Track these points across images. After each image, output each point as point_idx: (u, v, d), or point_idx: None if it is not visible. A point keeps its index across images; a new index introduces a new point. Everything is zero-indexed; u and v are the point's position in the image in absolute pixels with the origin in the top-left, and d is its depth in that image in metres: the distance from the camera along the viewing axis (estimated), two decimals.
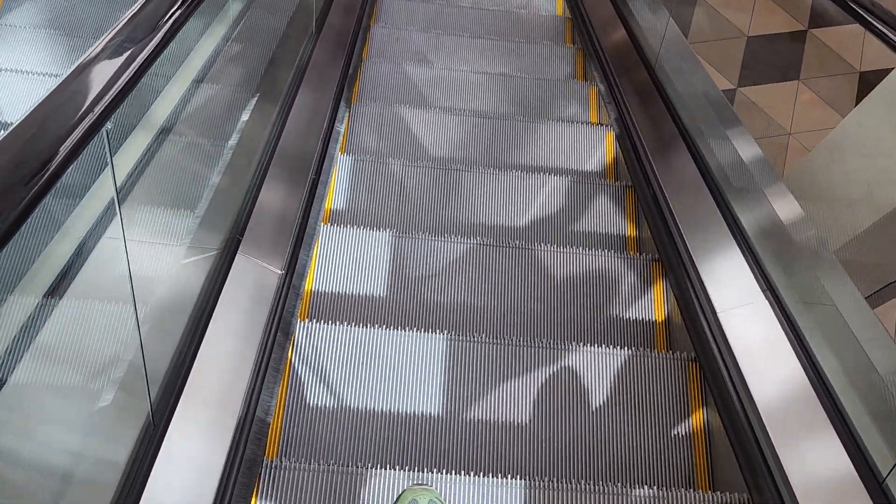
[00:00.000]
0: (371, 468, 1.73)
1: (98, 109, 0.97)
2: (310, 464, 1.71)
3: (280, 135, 2.36)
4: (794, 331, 1.82)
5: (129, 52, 1.11)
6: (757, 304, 1.95)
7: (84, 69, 1.02)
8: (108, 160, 1.10)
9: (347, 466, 1.72)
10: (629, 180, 2.83)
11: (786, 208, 2.05)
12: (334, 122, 2.76)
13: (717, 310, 1.97)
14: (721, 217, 2.24)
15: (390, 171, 2.76)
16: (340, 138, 2.88)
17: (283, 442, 1.89)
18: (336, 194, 2.70)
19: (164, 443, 1.40)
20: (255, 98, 2.30)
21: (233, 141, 2.09)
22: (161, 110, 1.68)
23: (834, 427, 1.60)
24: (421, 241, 2.44)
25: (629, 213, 2.75)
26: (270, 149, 2.29)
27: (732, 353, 1.84)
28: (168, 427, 1.43)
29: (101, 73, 1.04)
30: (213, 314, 1.69)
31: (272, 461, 1.71)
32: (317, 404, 1.95)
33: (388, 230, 2.45)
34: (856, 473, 1.49)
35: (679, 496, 1.74)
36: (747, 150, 2.25)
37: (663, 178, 2.49)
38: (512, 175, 2.79)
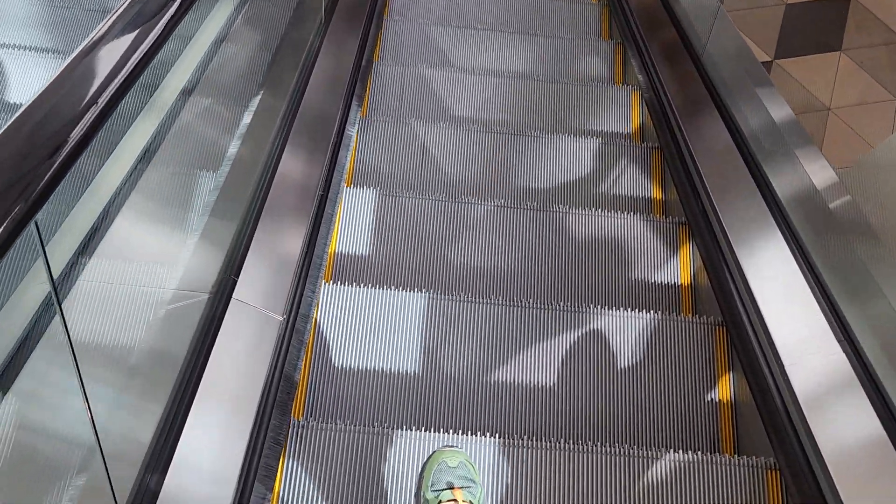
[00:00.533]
0: (395, 428, 1.74)
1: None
2: (336, 424, 1.72)
3: (283, 147, 2.05)
4: (826, 294, 1.79)
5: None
6: (788, 269, 1.91)
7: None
8: (41, 252, 0.86)
9: (372, 426, 1.73)
10: (656, 141, 2.78)
11: (819, 174, 2.00)
12: (344, 125, 2.49)
13: (747, 273, 1.94)
14: (751, 178, 2.19)
15: (412, 132, 2.73)
16: (352, 143, 2.63)
17: (308, 403, 1.90)
18: (358, 154, 2.67)
19: None
20: (255, 103, 1.98)
21: (227, 161, 1.77)
22: (144, 128, 1.40)
23: (867, 394, 1.58)
24: (443, 202, 2.41)
25: (655, 174, 2.71)
26: (271, 166, 1.96)
27: (761, 316, 1.82)
28: None
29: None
30: (201, 381, 1.42)
31: (299, 421, 1.72)
32: (341, 366, 1.96)
33: (409, 192, 2.43)
34: (890, 443, 1.47)
35: (704, 460, 1.74)
36: (779, 112, 2.19)
37: (692, 140, 2.44)
38: (534, 136, 2.75)
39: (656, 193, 2.68)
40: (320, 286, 2.06)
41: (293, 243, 1.89)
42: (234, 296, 1.60)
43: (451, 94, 3.03)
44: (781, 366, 1.70)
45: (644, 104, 2.98)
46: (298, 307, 1.82)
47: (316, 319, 2.00)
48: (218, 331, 1.51)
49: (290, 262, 1.83)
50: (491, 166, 2.69)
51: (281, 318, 1.68)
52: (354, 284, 2.08)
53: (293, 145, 2.10)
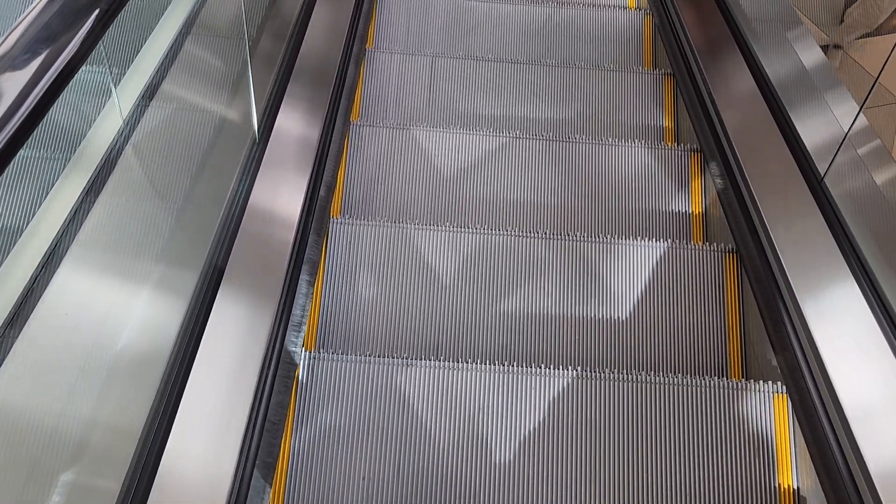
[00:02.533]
0: (406, 359, 1.76)
1: None
2: (347, 355, 1.75)
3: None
4: (839, 220, 1.76)
5: None
6: (801, 196, 1.88)
7: None
8: None
9: (384, 357, 1.76)
10: (668, 68, 2.71)
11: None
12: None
13: (758, 199, 1.92)
14: (765, 103, 2.14)
15: (418, 66, 2.68)
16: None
17: (319, 335, 1.93)
18: (365, 90, 2.64)
19: None
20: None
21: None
22: None
23: (878, 324, 1.56)
24: (452, 135, 2.39)
25: (667, 102, 2.65)
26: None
27: (773, 242, 1.80)
28: None
29: None
30: None
31: (310, 352, 1.75)
32: (351, 300, 1.98)
33: (416, 127, 2.40)
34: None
35: (713, 384, 1.75)
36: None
37: (705, 64, 2.38)
38: (543, 66, 2.69)
39: (668, 121, 2.63)
40: (328, 222, 2.06)
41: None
42: None
43: (453, 25, 2.95)
44: (791, 291, 1.70)
45: (655, 28, 2.90)
46: None
47: (325, 254, 2.01)
48: None
49: None
50: (499, 97, 2.65)
51: None
52: (362, 219, 2.08)
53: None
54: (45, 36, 0.88)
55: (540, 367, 1.76)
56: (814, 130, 1.96)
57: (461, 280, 2.02)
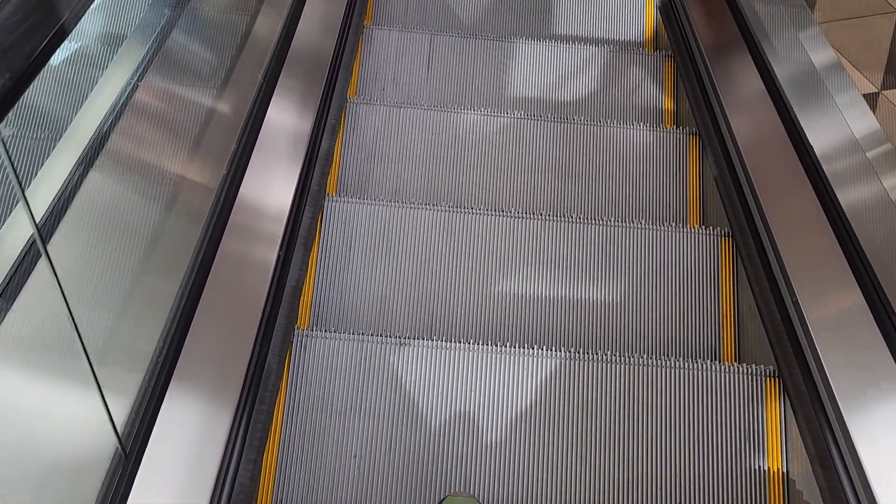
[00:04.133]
0: (399, 338, 1.76)
1: None
2: (340, 333, 1.75)
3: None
4: (841, 218, 1.74)
5: None
6: (798, 179, 1.87)
7: None
8: None
9: (377, 336, 1.76)
10: (669, 49, 2.69)
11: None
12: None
13: (754, 180, 1.91)
14: (763, 86, 2.12)
15: (417, 43, 2.65)
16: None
17: (312, 313, 1.93)
18: (362, 67, 2.61)
19: None
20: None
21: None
22: None
23: (874, 315, 1.55)
24: (450, 115, 2.37)
25: (667, 84, 2.63)
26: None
27: (768, 226, 1.79)
28: None
29: None
30: None
31: (303, 330, 1.75)
32: (346, 279, 1.97)
33: (415, 106, 2.38)
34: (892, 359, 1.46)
35: (706, 367, 1.75)
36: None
37: (706, 45, 2.35)
38: (544, 45, 2.67)
39: (668, 104, 2.61)
40: (325, 202, 2.05)
41: None
42: None
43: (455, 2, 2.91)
44: (786, 275, 1.69)
45: (657, 10, 2.87)
46: None
47: (320, 231, 2.01)
48: None
49: None
50: (497, 77, 2.62)
51: None
52: (358, 199, 2.07)
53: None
54: None
55: (532, 348, 1.76)
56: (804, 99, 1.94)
57: (455, 260, 2.01)
